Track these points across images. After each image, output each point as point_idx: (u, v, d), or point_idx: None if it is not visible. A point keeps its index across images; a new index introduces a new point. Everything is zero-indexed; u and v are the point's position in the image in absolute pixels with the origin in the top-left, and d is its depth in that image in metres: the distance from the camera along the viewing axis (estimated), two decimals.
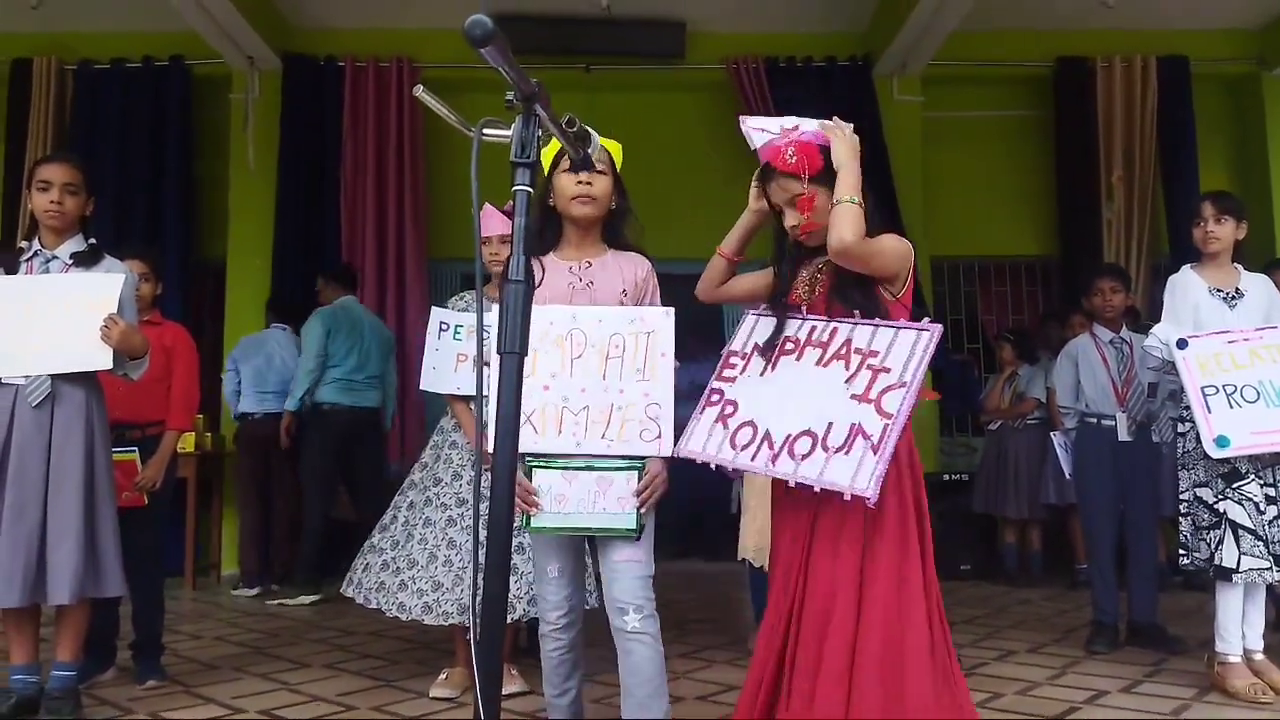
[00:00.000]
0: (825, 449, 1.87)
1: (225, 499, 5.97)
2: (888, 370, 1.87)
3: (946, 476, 6.08)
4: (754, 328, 2.18)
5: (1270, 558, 2.96)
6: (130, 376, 2.96)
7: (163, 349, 3.35)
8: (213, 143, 6.48)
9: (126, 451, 3.25)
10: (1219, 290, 3.26)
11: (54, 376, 2.78)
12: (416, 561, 3.07)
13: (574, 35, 6.27)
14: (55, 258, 2.91)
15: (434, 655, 3.62)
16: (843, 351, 1.95)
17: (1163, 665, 3.48)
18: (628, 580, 2.05)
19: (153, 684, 3.22)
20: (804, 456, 1.89)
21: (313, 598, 5.02)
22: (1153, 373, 3.49)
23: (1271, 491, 3.02)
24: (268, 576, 5.48)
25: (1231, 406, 3.00)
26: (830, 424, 1.89)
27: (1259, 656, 3.11)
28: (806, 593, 1.92)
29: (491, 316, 2.04)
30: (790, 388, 2.01)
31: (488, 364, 1.76)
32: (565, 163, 2.16)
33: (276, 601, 5.02)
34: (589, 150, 1.79)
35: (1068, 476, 4.19)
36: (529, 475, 2.04)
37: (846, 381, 1.92)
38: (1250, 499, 3.01)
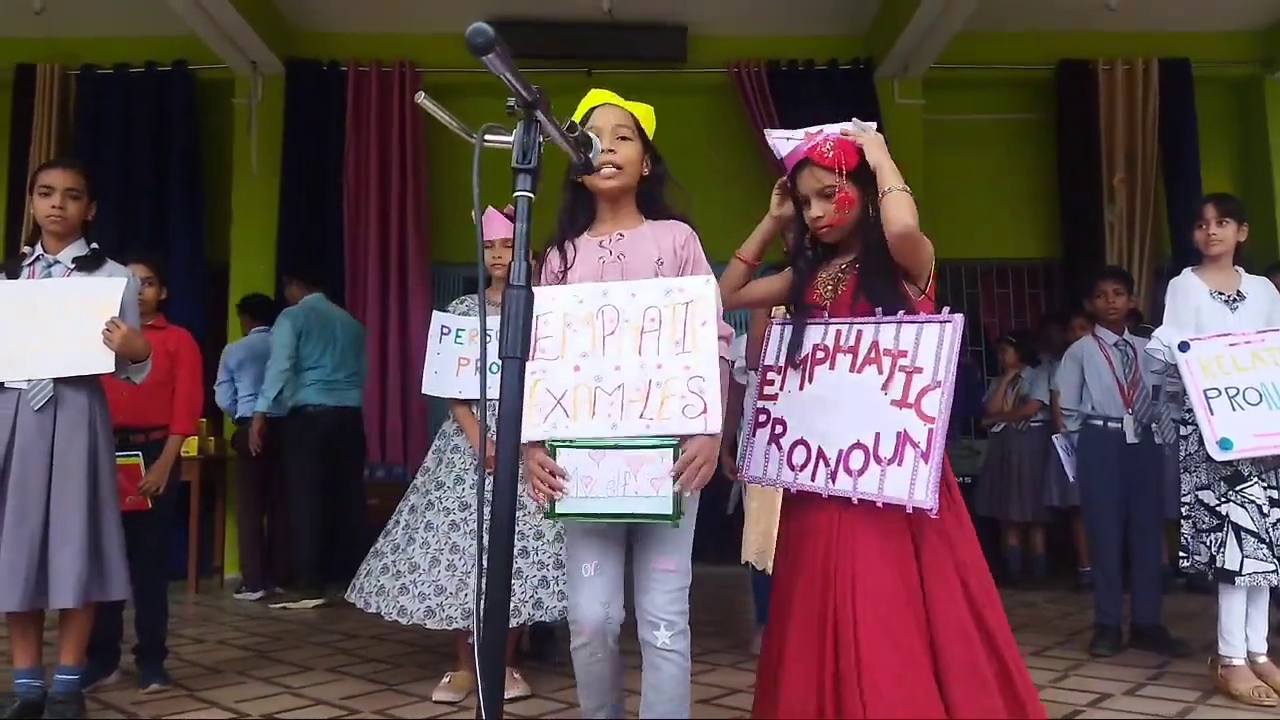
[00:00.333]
0: (878, 461, 1.88)
1: (228, 503, 5.97)
2: (920, 370, 1.89)
3: None
4: (782, 338, 2.15)
5: (1273, 560, 2.96)
6: (133, 380, 2.97)
7: (166, 353, 3.35)
8: (216, 148, 6.50)
9: (130, 455, 3.26)
10: (1220, 293, 3.26)
11: (56, 380, 2.79)
12: (418, 565, 3.06)
13: (576, 39, 6.28)
14: (57, 262, 2.91)
15: (437, 659, 3.62)
16: (872, 355, 1.96)
17: (1166, 668, 3.47)
18: (663, 594, 1.92)
19: (156, 688, 3.23)
20: (859, 472, 1.90)
21: (315, 601, 5.02)
22: (1156, 375, 3.49)
23: (1275, 494, 3.02)
24: (270, 580, 5.49)
25: (1234, 409, 3.00)
26: (878, 434, 1.90)
27: (1262, 659, 3.11)
28: (858, 597, 1.85)
29: (493, 320, 1.94)
30: (831, 399, 2.01)
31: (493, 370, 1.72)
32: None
33: (279, 605, 5.02)
34: (590, 155, 1.79)
35: (1070, 479, 4.19)
36: (553, 456, 1.88)
37: (883, 388, 1.92)
38: (1253, 501, 3.00)
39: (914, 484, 1.82)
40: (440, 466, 3.23)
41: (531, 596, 2.98)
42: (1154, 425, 3.87)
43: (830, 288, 2.11)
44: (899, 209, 1.94)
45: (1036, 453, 5.65)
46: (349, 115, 6.31)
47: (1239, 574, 2.98)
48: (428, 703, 3.04)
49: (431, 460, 3.28)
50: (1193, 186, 6.35)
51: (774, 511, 3.34)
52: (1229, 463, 3.02)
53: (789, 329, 2.13)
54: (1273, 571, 2.96)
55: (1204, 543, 3.08)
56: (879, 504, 1.86)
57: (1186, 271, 3.37)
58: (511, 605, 2.94)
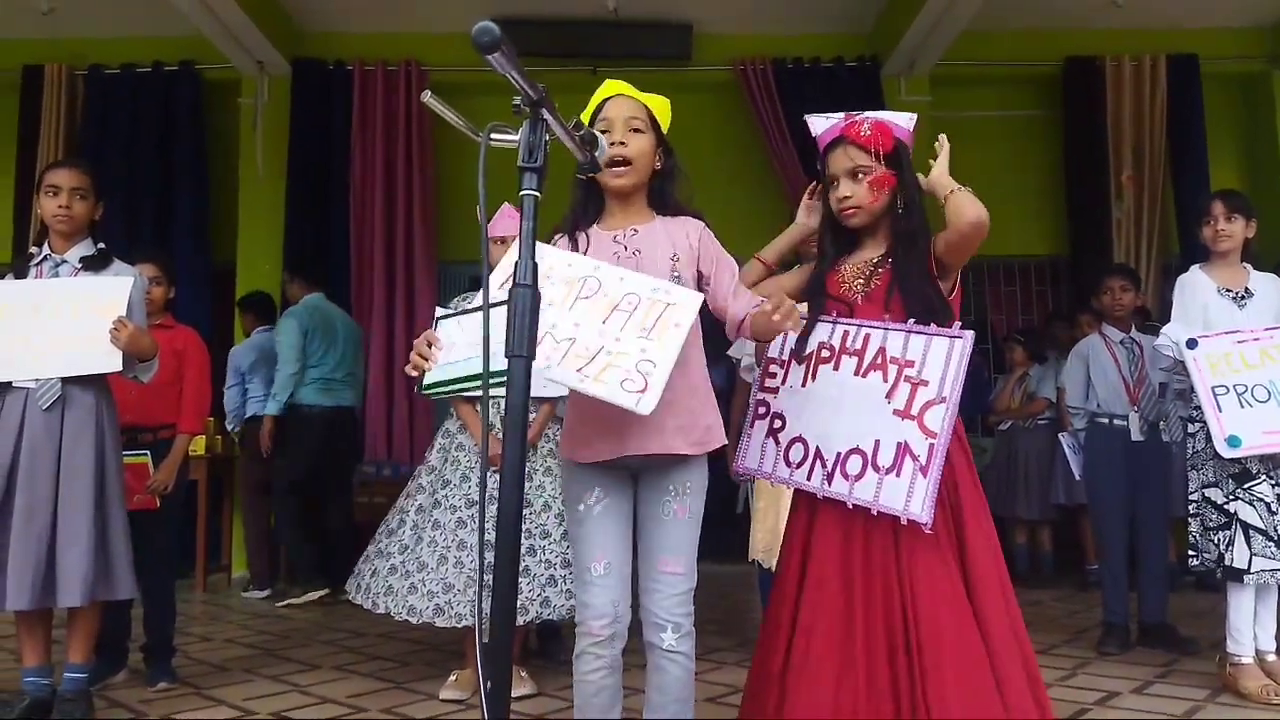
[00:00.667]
0: (876, 469, 1.86)
1: (235, 501, 5.98)
2: (925, 384, 1.86)
3: None
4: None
5: None
6: (140, 379, 2.98)
7: (174, 352, 3.36)
8: (222, 147, 6.51)
9: (138, 454, 3.27)
10: (1228, 290, 3.24)
11: (64, 380, 2.80)
12: (426, 564, 3.06)
13: (581, 38, 6.28)
14: (64, 262, 2.92)
15: (444, 657, 3.63)
16: (878, 361, 1.93)
17: (1174, 666, 3.46)
18: (669, 596, 1.89)
19: (164, 686, 3.24)
20: (856, 477, 1.88)
21: (319, 592, 5.00)
22: (1163, 373, 3.48)
23: None
24: (278, 578, 5.50)
25: (1242, 406, 2.99)
26: (877, 441, 1.88)
27: (1271, 658, 3.10)
28: (917, 603, 1.82)
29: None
30: (833, 400, 1.98)
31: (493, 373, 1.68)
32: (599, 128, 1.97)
33: (284, 603, 5.02)
34: (596, 154, 1.79)
35: (1077, 477, 4.18)
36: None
37: (887, 396, 1.90)
38: (1261, 499, 2.99)
39: (910, 496, 1.80)
40: (446, 464, 3.22)
41: (539, 595, 2.98)
42: (1161, 424, 3.86)
43: (861, 282, 2.05)
44: (971, 204, 1.95)
45: (1044, 451, 5.63)
46: (355, 115, 6.32)
47: (1247, 572, 2.97)
48: (435, 701, 3.05)
49: (436, 458, 3.28)
50: (1200, 183, 6.33)
51: (781, 510, 3.33)
52: (1237, 460, 3.02)
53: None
54: None
55: (1212, 541, 3.07)
56: (874, 512, 1.85)
57: (1194, 268, 3.36)
58: (519, 603, 2.94)
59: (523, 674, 3.14)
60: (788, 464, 2.01)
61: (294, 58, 6.36)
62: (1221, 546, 3.03)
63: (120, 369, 2.85)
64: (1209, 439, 3.04)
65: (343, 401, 5.33)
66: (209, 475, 5.54)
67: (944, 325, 1.92)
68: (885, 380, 1.91)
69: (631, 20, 6.23)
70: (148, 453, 3.31)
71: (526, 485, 3.04)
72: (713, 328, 2.03)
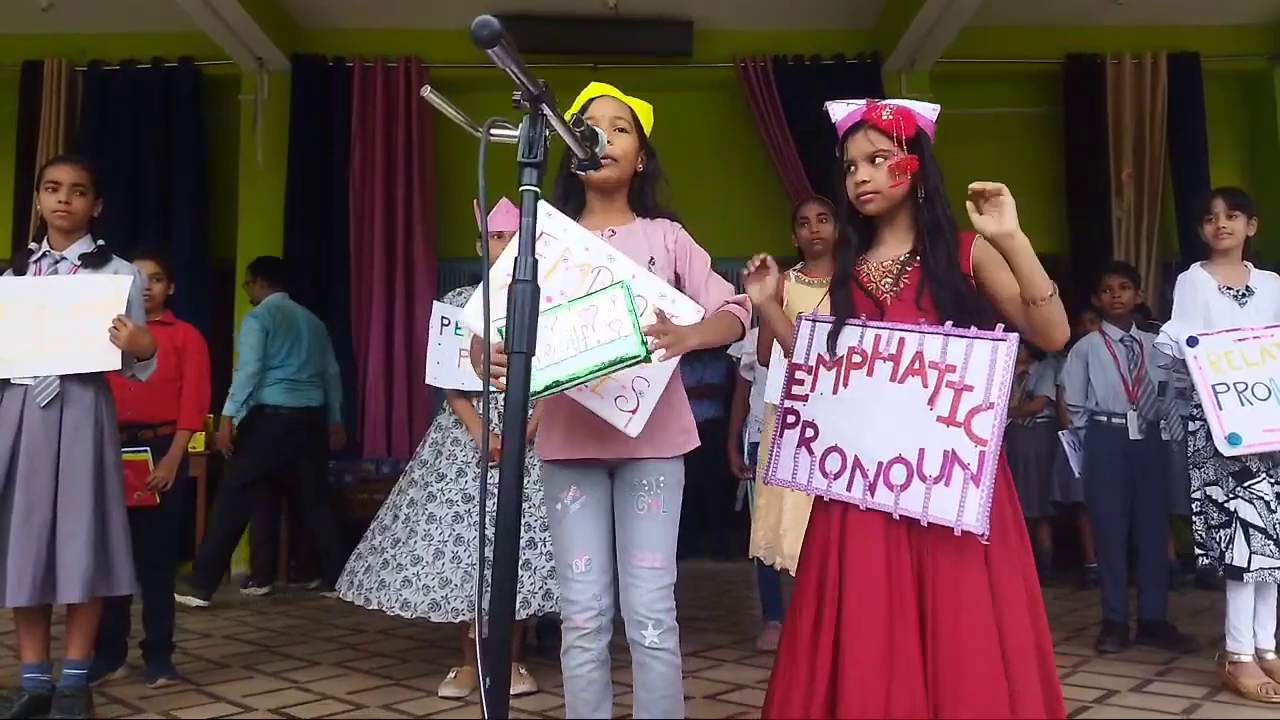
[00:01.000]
0: (922, 479, 1.78)
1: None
2: (970, 389, 1.77)
3: None
4: (812, 335, 2.03)
5: None
6: (138, 378, 2.97)
7: (174, 349, 3.36)
8: (222, 144, 6.50)
9: (138, 451, 3.27)
10: (1229, 288, 3.24)
11: (62, 377, 2.79)
12: (421, 558, 3.03)
13: (581, 34, 6.26)
14: (64, 259, 2.92)
15: (443, 654, 3.63)
16: (916, 366, 1.84)
17: (1173, 664, 3.46)
18: (650, 592, 1.90)
19: (163, 682, 3.24)
20: (901, 487, 1.79)
21: (199, 602, 4.75)
22: (1163, 371, 3.48)
23: None
24: (277, 575, 5.50)
25: (1243, 404, 2.99)
26: (922, 450, 1.79)
27: (1270, 656, 3.10)
28: (939, 606, 1.78)
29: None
30: (868, 408, 1.89)
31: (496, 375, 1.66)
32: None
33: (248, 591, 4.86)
34: (596, 150, 1.79)
35: (1076, 475, 4.18)
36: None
37: (929, 402, 1.81)
38: (1261, 497, 2.99)
39: (964, 506, 1.72)
40: (440, 459, 3.21)
41: (541, 588, 2.98)
42: (1162, 422, 3.86)
43: (889, 281, 1.95)
44: (1061, 315, 1.85)
45: (1042, 448, 5.63)
46: (355, 111, 6.31)
47: (1247, 570, 2.97)
48: (434, 697, 3.05)
49: (429, 453, 3.26)
50: (1201, 181, 6.31)
51: (784, 508, 3.33)
52: (1237, 458, 3.02)
53: (823, 326, 2.00)
54: None
55: (1213, 539, 3.07)
56: (924, 523, 1.77)
57: (1195, 266, 3.36)
58: (521, 597, 2.94)
59: (522, 671, 3.14)
60: (824, 475, 1.91)
61: (294, 54, 6.34)
62: (1222, 544, 3.04)
63: (119, 367, 2.85)
64: (1209, 437, 3.04)
65: (307, 402, 5.24)
66: (209, 472, 5.54)
67: (982, 322, 1.84)
68: (925, 386, 1.82)
69: (632, 17, 6.22)
70: (148, 449, 3.30)
71: (526, 480, 3.04)
72: None
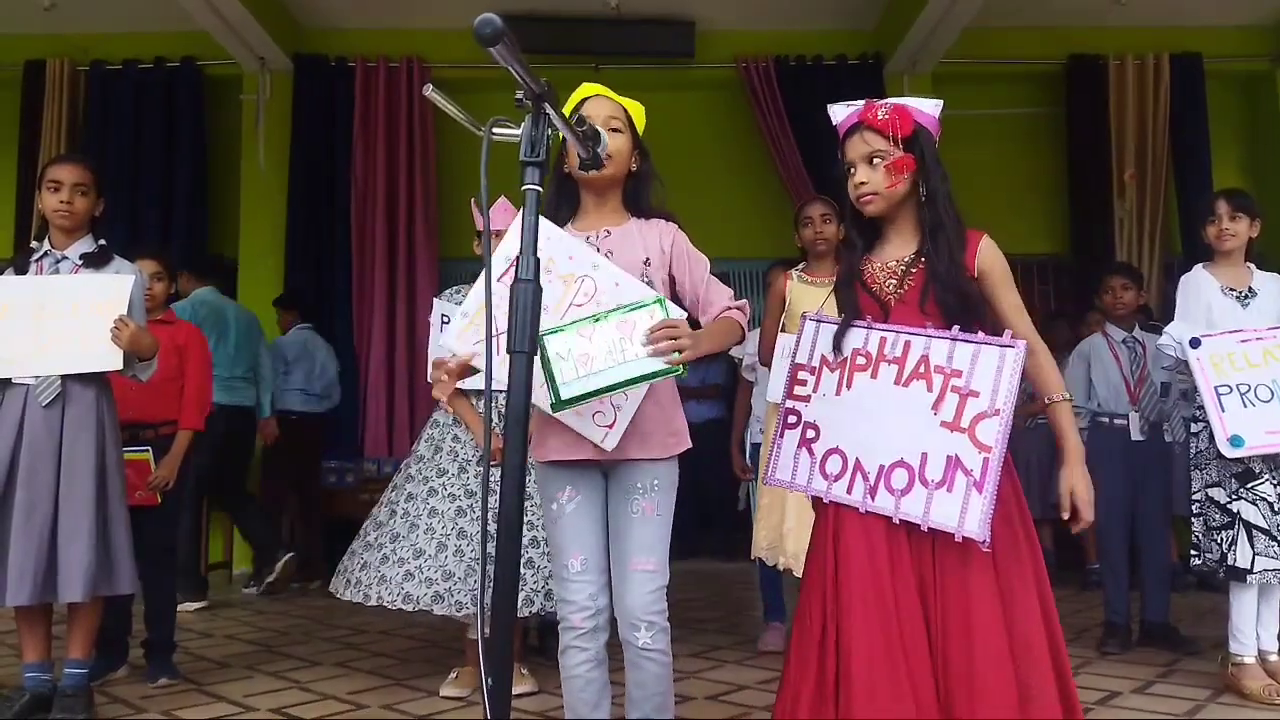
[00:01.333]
0: (924, 483, 1.77)
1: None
2: (976, 395, 1.76)
3: None
4: (816, 336, 2.01)
5: None
6: (139, 378, 2.97)
7: (175, 348, 3.36)
8: (224, 143, 6.51)
9: (140, 451, 3.27)
10: (1231, 289, 3.24)
11: (64, 376, 2.79)
12: (424, 551, 3.00)
13: (583, 34, 6.27)
14: (65, 258, 2.92)
15: (444, 654, 3.62)
16: (921, 370, 1.83)
17: (1176, 666, 3.46)
18: (643, 595, 1.91)
19: (165, 682, 3.24)
20: (902, 492, 1.78)
21: (197, 605, 4.72)
22: (1166, 372, 3.47)
23: None
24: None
25: (1245, 406, 2.99)
26: (924, 455, 1.78)
27: (1274, 657, 3.09)
28: (947, 610, 1.78)
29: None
30: (871, 410, 1.88)
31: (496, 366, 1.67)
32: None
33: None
34: (599, 149, 1.79)
35: None
36: (542, 347, 1.77)
37: (933, 407, 1.80)
38: (1264, 499, 2.99)
39: (965, 513, 1.71)
40: (440, 455, 3.18)
41: (544, 586, 2.97)
42: (1165, 425, 3.85)
43: (894, 283, 1.94)
44: (1072, 425, 1.99)
45: (1044, 450, 5.61)
46: (357, 111, 6.32)
47: (1250, 572, 2.97)
48: (435, 698, 3.05)
49: (427, 449, 3.24)
50: (1203, 182, 6.32)
51: (788, 508, 3.33)
52: (1240, 460, 3.01)
53: (828, 327, 1.99)
54: None
55: (1215, 540, 3.07)
56: (924, 528, 1.76)
57: (1198, 268, 3.35)
58: (524, 595, 2.94)
59: (523, 671, 3.14)
60: (825, 476, 1.90)
61: (296, 54, 6.36)
62: (1224, 546, 3.03)
63: (120, 368, 2.84)
64: (1212, 439, 3.03)
65: (241, 401, 5.07)
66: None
67: (986, 324, 1.84)
68: (930, 390, 1.81)
69: (634, 17, 6.23)
70: (149, 449, 3.30)
71: (527, 479, 3.03)
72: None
